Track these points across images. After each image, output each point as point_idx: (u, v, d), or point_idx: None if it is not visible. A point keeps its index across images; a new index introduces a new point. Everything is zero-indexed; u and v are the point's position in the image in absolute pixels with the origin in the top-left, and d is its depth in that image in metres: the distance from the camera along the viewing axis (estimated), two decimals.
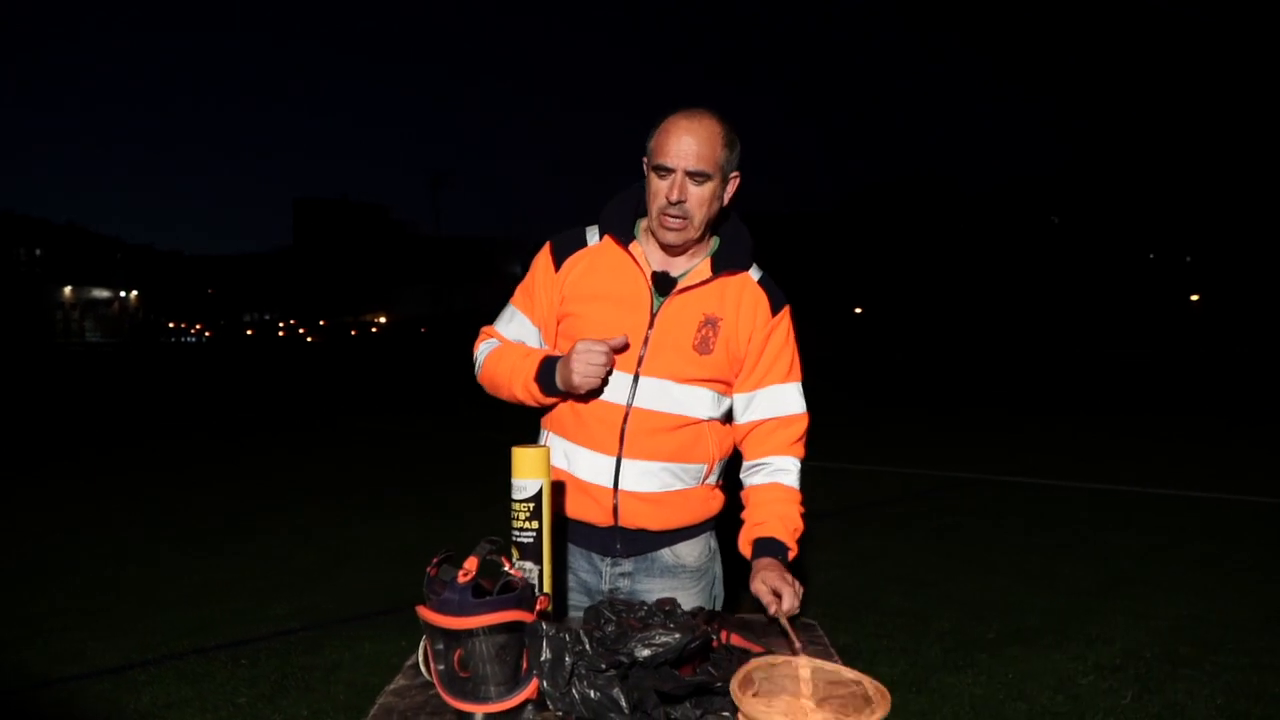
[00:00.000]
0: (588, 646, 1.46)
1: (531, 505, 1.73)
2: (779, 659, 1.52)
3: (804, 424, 2.11)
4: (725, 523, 2.21)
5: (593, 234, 2.09)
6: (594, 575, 2.09)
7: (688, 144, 1.90)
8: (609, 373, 1.95)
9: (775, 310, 2.05)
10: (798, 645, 1.62)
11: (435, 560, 1.57)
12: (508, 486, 1.75)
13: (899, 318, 51.77)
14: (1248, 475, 8.65)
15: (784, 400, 2.08)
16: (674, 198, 1.91)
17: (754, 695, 1.40)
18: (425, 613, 1.46)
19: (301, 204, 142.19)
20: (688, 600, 2.09)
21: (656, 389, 1.98)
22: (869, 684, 1.46)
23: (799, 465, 2.12)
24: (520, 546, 1.74)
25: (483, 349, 2.14)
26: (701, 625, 1.55)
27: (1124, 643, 4.25)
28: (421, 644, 1.62)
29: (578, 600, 2.09)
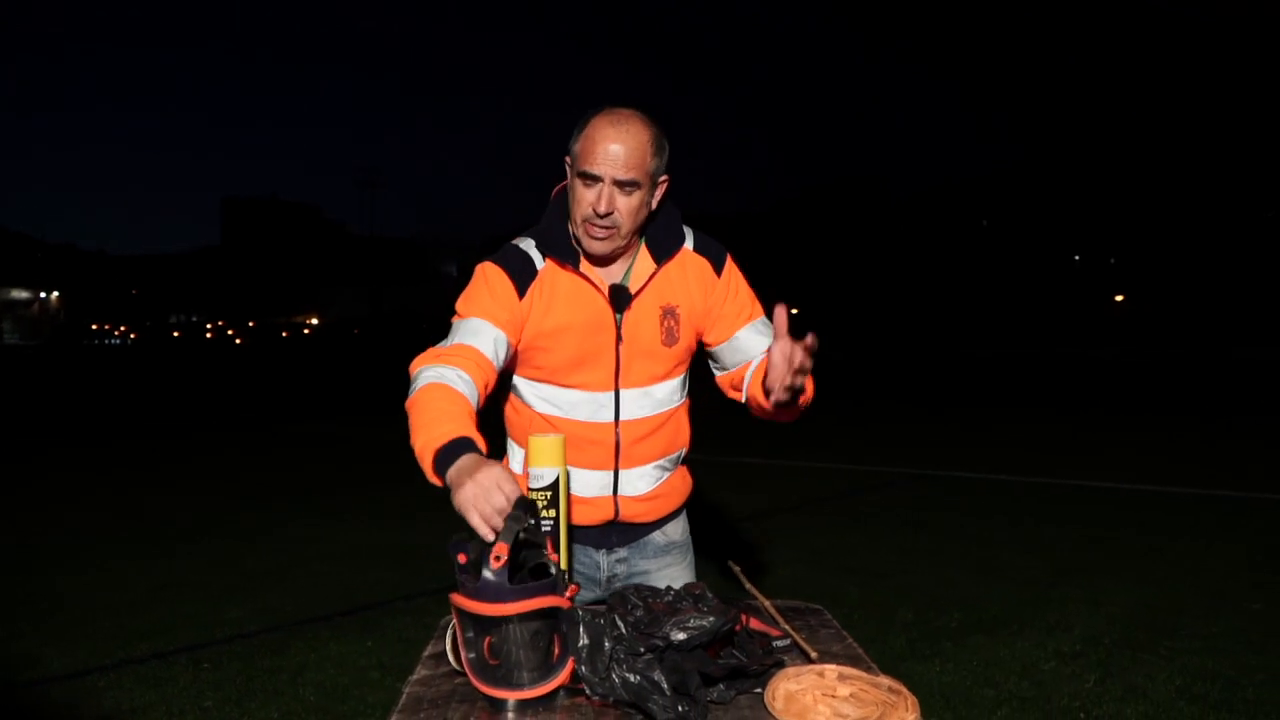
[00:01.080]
0: (624, 631, 1.46)
1: (549, 494, 1.73)
2: (807, 668, 1.53)
3: None
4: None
5: (532, 251, 1.96)
6: (592, 567, 2.12)
7: (615, 152, 1.81)
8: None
9: (718, 269, 2.02)
10: (814, 655, 1.64)
11: (455, 544, 1.53)
12: (525, 475, 1.75)
13: (835, 318, 52.52)
14: (1183, 468, 8.94)
15: (764, 331, 2.02)
16: (602, 209, 1.83)
17: (787, 706, 1.41)
18: (461, 600, 1.44)
19: (230, 203, 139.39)
20: (679, 574, 2.18)
21: (638, 397, 2.01)
22: (889, 683, 1.49)
23: None
24: None
25: (424, 374, 1.81)
26: (732, 609, 1.56)
27: (1081, 629, 4.36)
28: (450, 631, 1.61)
29: (584, 594, 2.11)
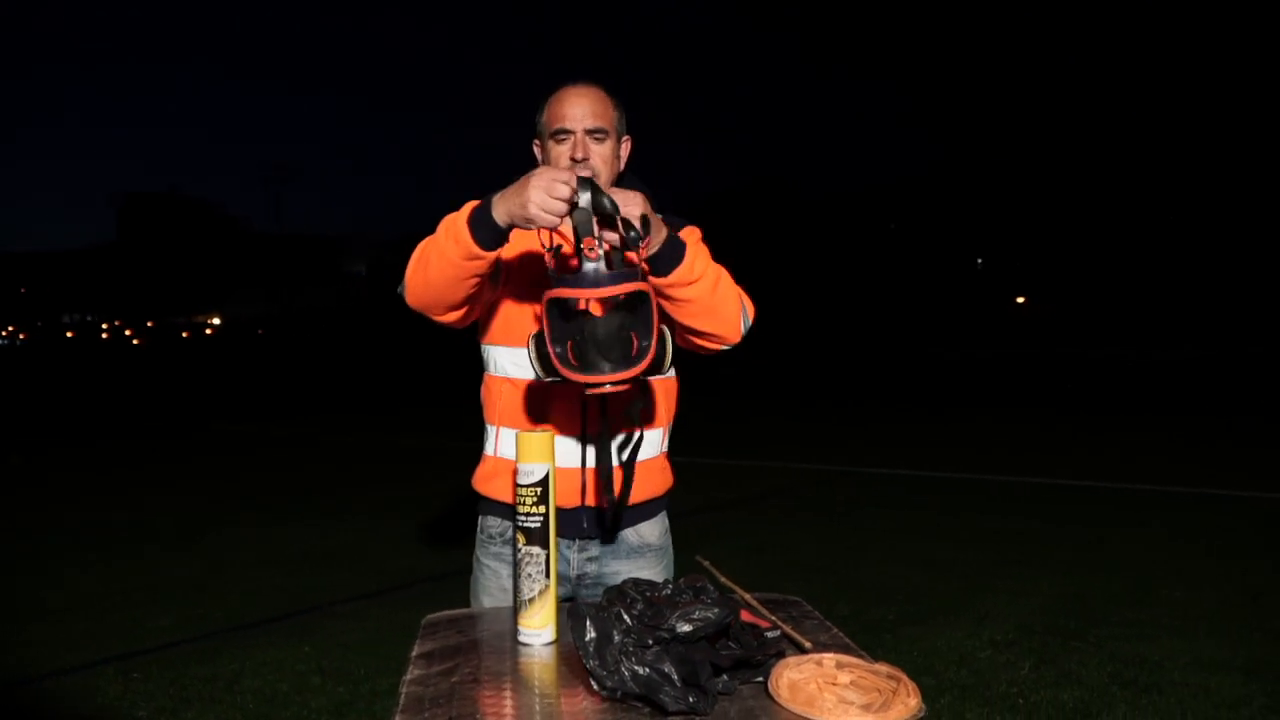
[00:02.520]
0: (630, 623, 1.46)
1: (539, 490, 1.71)
2: (805, 658, 1.55)
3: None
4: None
5: None
6: (562, 563, 2.07)
7: (583, 105, 1.94)
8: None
9: (675, 226, 1.97)
10: (808, 645, 1.66)
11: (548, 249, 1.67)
12: (514, 472, 1.73)
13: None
14: (1102, 464, 9.27)
15: None
16: (579, 155, 1.92)
17: (792, 695, 1.42)
18: (565, 291, 1.57)
19: (126, 198, 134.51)
20: (654, 578, 2.11)
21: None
22: (887, 669, 1.52)
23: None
24: (527, 531, 1.71)
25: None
26: (732, 601, 1.56)
27: (1014, 619, 4.49)
28: (531, 344, 1.70)
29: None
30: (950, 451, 10.42)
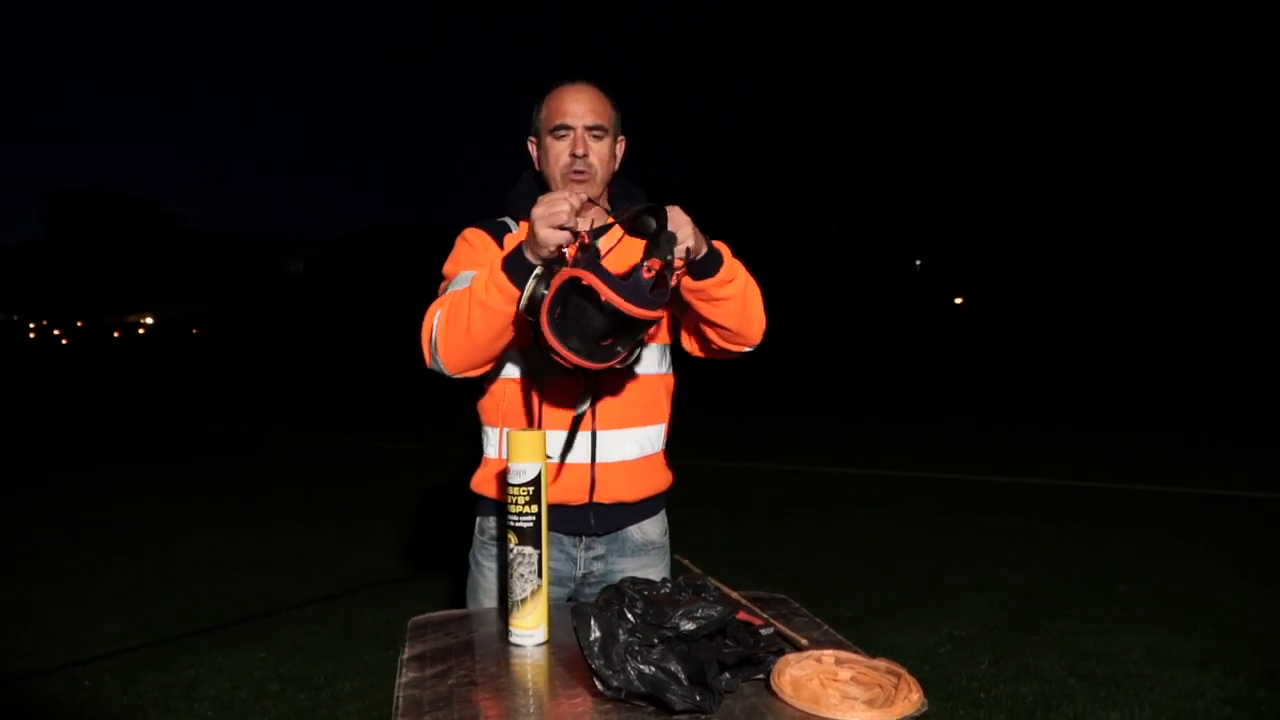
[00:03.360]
0: (634, 622, 1.44)
1: (531, 489, 1.69)
2: (805, 655, 1.55)
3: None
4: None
5: (506, 220, 2.10)
6: (568, 563, 2.07)
7: (582, 102, 1.97)
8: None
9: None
10: (804, 642, 1.66)
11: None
12: (505, 471, 1.71)
13: None
14: (1048, 462, 9.46)
15: None
16: (579, 151, 1.95)
17: (796, 692, 1.42)
18: (613, 297, 1.58)
19: (56, 195, 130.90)
20: (656, 576, 2.11)
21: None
22: (885, 665, 1.52)
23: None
24: (519, 531, 1.69)
25: (435, 319, 1.88)
26: (732, 599, 1.56)
27: (971, 614, 4.55)
28: (531, 282, 1.70)
29: (554, 592, 2.06)
30: (900, 450, 10.56)
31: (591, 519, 2.05)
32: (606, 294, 1.59)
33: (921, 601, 4.78)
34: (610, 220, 1.88)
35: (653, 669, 1.38)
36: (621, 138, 2.07)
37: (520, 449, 1.69)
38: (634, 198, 2.10)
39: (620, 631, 1.41)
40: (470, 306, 1.78)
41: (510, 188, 2.13)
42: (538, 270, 1.72)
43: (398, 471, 9.37)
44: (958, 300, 59.11)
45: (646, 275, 1.61)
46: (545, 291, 1.66)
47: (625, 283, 1.60)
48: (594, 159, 1.97)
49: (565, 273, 1.64)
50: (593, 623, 1.42)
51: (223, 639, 4.36)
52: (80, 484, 8.93)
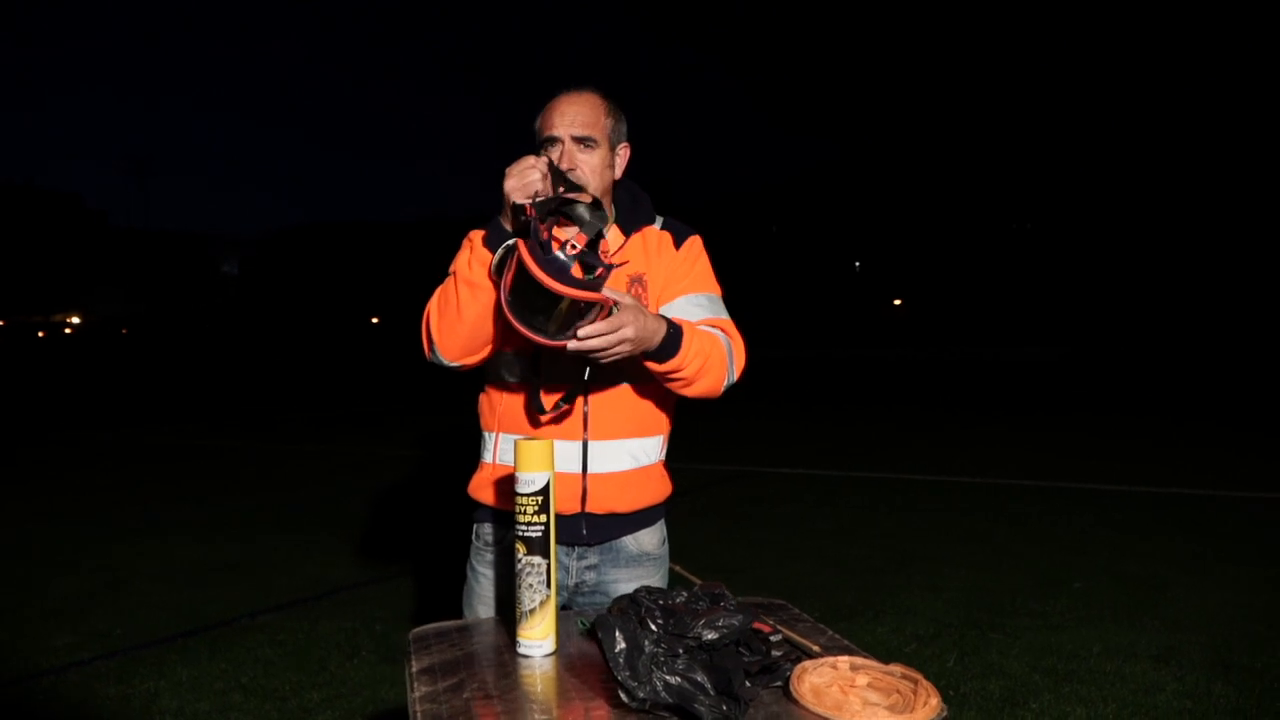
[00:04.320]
0: (657, 632, 1.44)
1: (540, 499, 1.68)
2: (820, 661, 1.57)
3: (730, 326, 2.05)
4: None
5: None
6: (560, 572, 2.06)
7: (571, 112, 1.95)
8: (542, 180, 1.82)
9: (679, 243, 2.09)
10: (815, 648, 1.68)
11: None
12: (513, 480, 1.69)
13: None
14: (993, 459, 9.65)
15: (701, 305, 2.05)
16: (565, 165, 1.94)
17: (818, 699, 1.43)
18: (535, 270, 1.62)
19: None
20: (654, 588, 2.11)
21: (605, 364, 1.99)
22: (901, 670, 1.54)
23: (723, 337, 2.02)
24: (528, 541, 1.68)
25: (430, 309, 1.97)
26: (751, 608, 1.56)
27: (931, 613, 4.62)
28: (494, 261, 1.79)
29: None
30: (849, 450, 10.69)
31: (584, 529, 2.05)
32: (528, 262, 1.63)
33: (881, 602, 4.84)
34: (558, 194, 1.82)
35: (679, 679, 1.39)
36: (625, 145, 2.05)
37: (529, 458, 1.68)
38: (639, 203, 2.10)
39: (645, 642, 1.41)
40: (457, 286, 1.84)
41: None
42: (510, 241, 1.78)
43: (345, 476, 9.24)
44: (897, 302, 60.03)
45: (570, 252, 1.66)
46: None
47: (548, 256, 1.64)
48: (583, 171, 1.95)
49: (516, 242, 1.70)
50: (617, 634, 1.42)
51: (179, 650, 4.26)
52: (6, 493, 8.67)
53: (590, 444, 2.01)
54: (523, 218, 1.74)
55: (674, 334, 1.85)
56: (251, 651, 4.20)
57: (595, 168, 1.97)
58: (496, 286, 1.77)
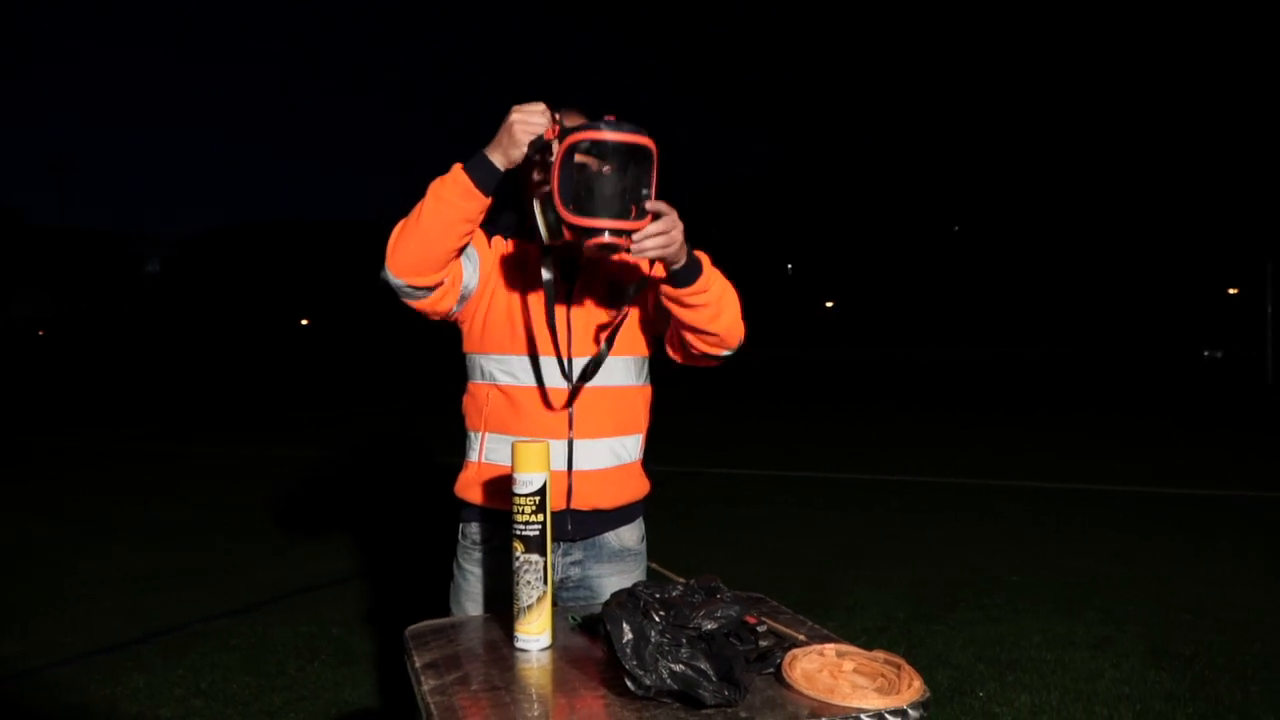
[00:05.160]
0: (660, 624, 1.52)
1: (537, 499, 1.75)
2: (809, 649, 1.66)
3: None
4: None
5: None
6: None
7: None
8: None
9: None
10: (801, 637, 1.77)
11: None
12: (510, 482, 1.76)
13: None
14: (931, 457, 9.89)
15: None
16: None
17: (810, 683, 1.53)
18: (588, 134, 1.68)
19: None
20: (632, 582, 2.19)
21: (589, 367, 2.07)
22: (884, 655, 1.64)
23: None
24: (525, 540, 1.74)
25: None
26: (747, 598, 1.65)
27: (877, 608, 4.77)
28: (536, 205, 1.82)
29: None
30: (790, 450, 10.87)
31: (569, 524, 2.12)
32: (600, 135, 1.69)
33: (831, 598, 4.97)
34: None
35: (683, 667, 1.46)
36: None
37: (526, 460, 1.75)
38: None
39: (651, 633, 1.49)
40: (425, 203, 1.87)
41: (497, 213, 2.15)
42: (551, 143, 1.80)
43: (285, 479, 9.16)
44: (829, 304, 60.93)
45: (609, 119, 1.71)
46: (551, 159, 1.75)
47: (601, 122, 1.71)
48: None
49: (571, 138, 1.72)
50: (625, 625, 1.49)
51: (133, 656, 4.22)
52: None
53: (575, 442, 2.08)
54: (560, 128, 1.79)
55: (696, 257, 1.92)
56: (208, 657, 4.18)
57: None
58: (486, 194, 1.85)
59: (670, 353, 2.16)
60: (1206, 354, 43.88)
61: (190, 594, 5.19)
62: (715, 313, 1.98)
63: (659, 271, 1.94)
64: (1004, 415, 15.30)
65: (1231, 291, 46.92)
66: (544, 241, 1.85)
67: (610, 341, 2.08)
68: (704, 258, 1.99)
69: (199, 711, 3.63)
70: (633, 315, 2.13)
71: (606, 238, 1.74)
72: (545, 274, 2.05)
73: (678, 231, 1.81)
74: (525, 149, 1.82)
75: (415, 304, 1.98)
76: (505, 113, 1.88)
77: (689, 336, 2.03)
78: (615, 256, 1.84)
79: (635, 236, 1.76)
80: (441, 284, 1.97)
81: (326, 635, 4.48)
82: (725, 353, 2.07)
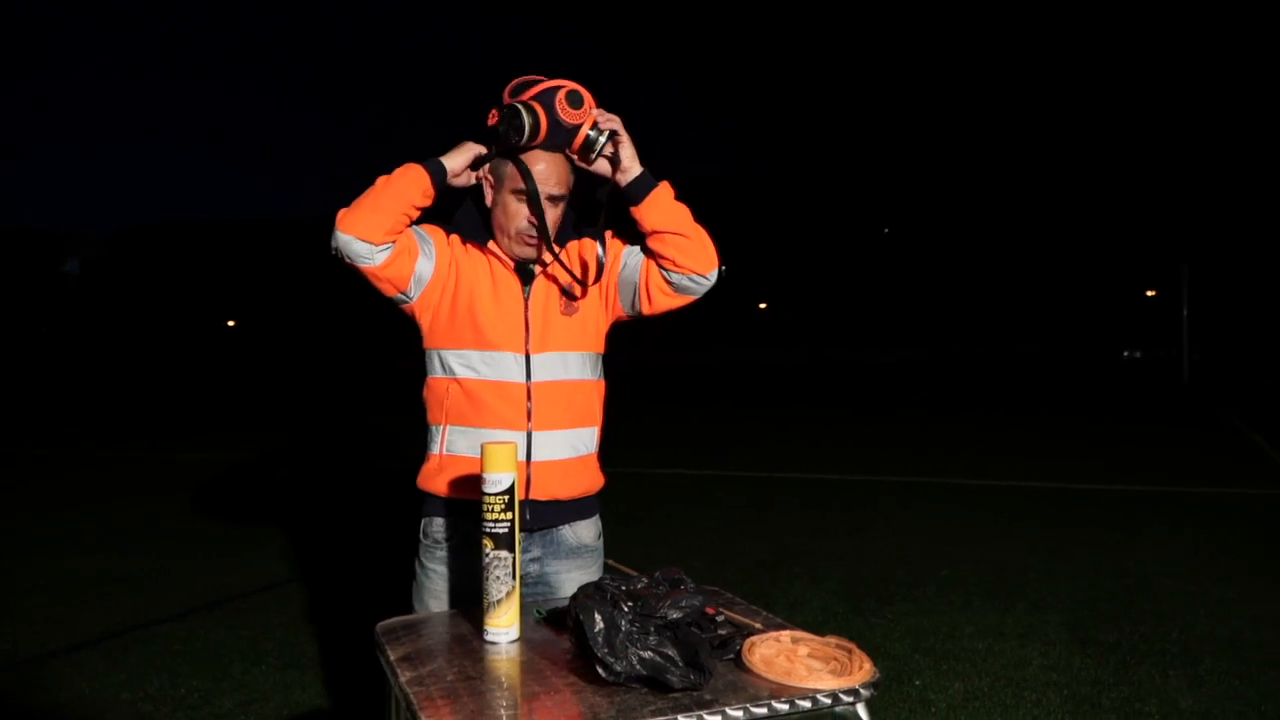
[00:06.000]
0: (629, 613, 1.61)
1: (506, 498, 1.82)
2: (766, 636, 1.77)
3: None
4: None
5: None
6: None
7: (547, 171, 2.09)
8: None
9: (600, 242, 2.22)
10: (757, 625, 1.87)
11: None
12: (480, 481, 1.83)
13: None
14: (863, 456, 10.11)
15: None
16: (537, 221, 2.10)
17: (769, 667, 1.63)
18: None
19: None
20: (590, 578, 2.26)
21: (548, 361, 2.18)
22: (835, 640, 1.75)
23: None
24: (495, 537, 1.82)
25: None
26: (709, 590, 1.75)
27: (816, 603, 4.92)
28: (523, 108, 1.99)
29: None
30: (725, 449, 11.02)
31: (527, 515, 2.19)
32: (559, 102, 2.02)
33: (771, 595, 5.10)
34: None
35: (651, 654, 1.55)
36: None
37: (495, 460, 1.82)
38: (568, 223, 2.26)
39: (622, 622, 1.58)
40: (383, 180, 2.03)
41: (453, 210, 2.25)
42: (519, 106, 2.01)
43: (219, 484, 9.04)
44: (762, 305, 61.57)
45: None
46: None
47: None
48: (550, 219, 2.12)
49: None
50: (596, 615, 1.57)
51: (74, 664, 4.16)
52: None
53: (534, 434, 2.16)
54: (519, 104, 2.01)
55: (646, 171, 2.10)
56: (152, 661, 4.15)
57: (559, 217, 2.16)
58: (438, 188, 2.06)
59: (645, 307, 2.22)
60: (1126, 354, 45.47)
61: (130, 600, 5.13)
62: (681, 216, 2.11)
63: (622, 180, 2.10)
64: (930, 415, 15.68)
65: (1149, 294, 48.53)
66: (518, 145, 2.02)
67: (565, 336, 2.18)
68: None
69: (148, 716, 3.61)
70: (586, 312, 2.23)
71: (587, 129, 2.02)
72: (503, 271, 2.16)
73: (619, 122, 2.06)
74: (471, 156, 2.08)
75: (367, 268, 2.05)
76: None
77: (667, 254, 2.12)
78: (591, 158, 2.08)
79: (599, 120, 2.03)
80: (392, 247, 2.05)
81: (271, 638, 4.47)
82: (703, 279, 2.17)
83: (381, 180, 2.03)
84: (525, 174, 2.08)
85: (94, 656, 4.25)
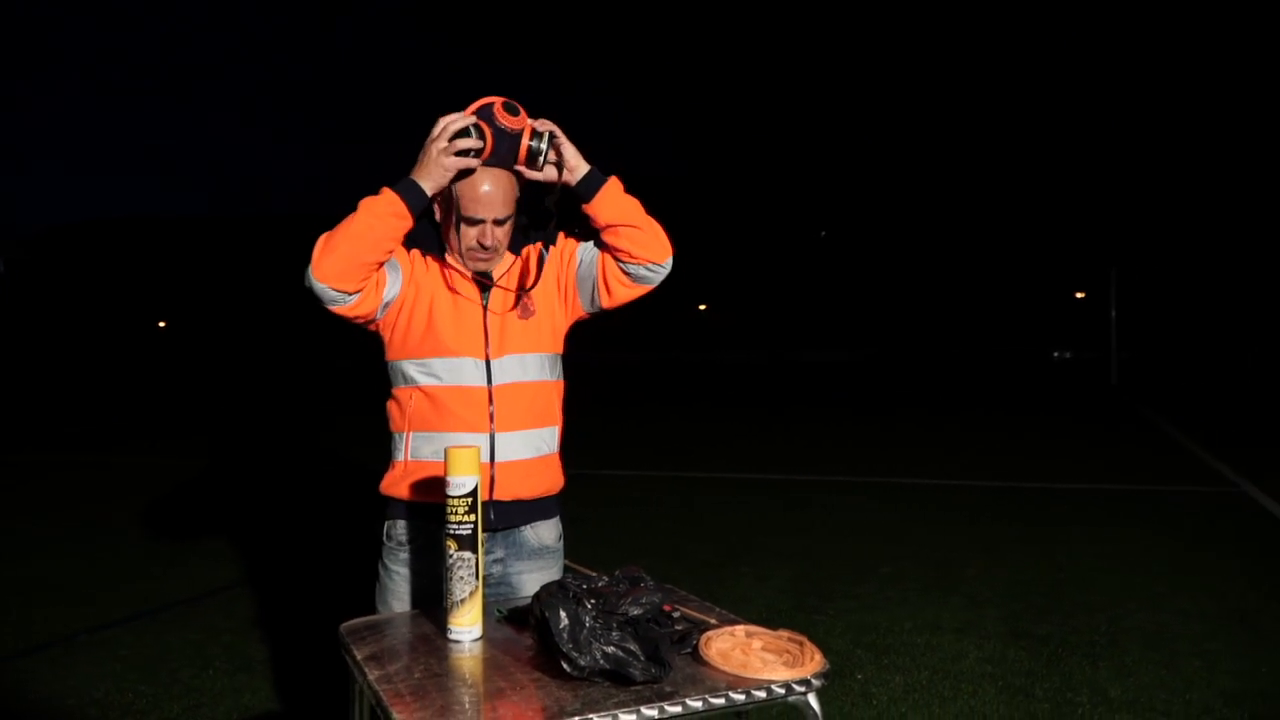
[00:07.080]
0: (592, 610, 1.67)
1: (469, 500, 1.87)
2: (721, 630, 1.85)
3: None
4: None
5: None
6: None
7: (492, 195, 2.15)
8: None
9: (549, 245, 2.32)
10: (712, 620, 1.95)
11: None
12: (444, 484, 1.88)
13: None
14: (804, 456, 10.27)
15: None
16: (488, 243, 2.18)
17: (725, 660, 1.71)
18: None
19: None
20: (551, 579, 2.32)
21: (507, 364, 2.24)
22: (787, 634, 1.84)
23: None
24: (459, 539, 1.87)
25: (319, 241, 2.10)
26: (666, 588, 1.82)
27: (761, 600, 5.02)
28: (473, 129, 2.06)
29: None
30: (669, 449, 11.12)
31: (491, 515, 2.25)
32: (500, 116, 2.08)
33: (718, 592, 5.19)
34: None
35: (614, 648, 1.62)
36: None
37: (459, 464, 1.87)
38: (523, 229, 2.33)
39: (586, 618, 1.64)
40: (355, 216, 2.04)
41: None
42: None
43: (156, 488, 8.91)
44: (701, 307, 61.93)
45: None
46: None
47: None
48: (498, 240, 2.19)
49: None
50: (561, 612, 1.64)
51: (19, 670, 4.12)
52: None
53: (497, 436, 2.22)
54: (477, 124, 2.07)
55: (598, 172, 2.16)
56: (98, 667, 4.12)
57: (507, 233, 2.22)
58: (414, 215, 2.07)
59: (605, 300, 2.29)
60: (1055, 355, 46.63)
61: (73, 606, 5.07)
62: (633, 208, 2.18)
63: (570, 179, 2.15)
64: (866, 415, 15.96)
65: (1079, 296, 49.79)
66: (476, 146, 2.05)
67: (524, 339, 2.25)
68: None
69: None
70: (544, 314, 2.29)
71: (528, 139, 2.08)
72: (461, 280, 2.22)
73: (557, 130, 2.12)
74: (453, 172, 2.04)
75: (338, 309, 2.10)
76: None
77: (622, 247, 2.18)
78: (539, 164, 2.12)
79: (537, 127, 2.10)
80: (363, 290, 2.10)
81: (218, 642, 4.46)
82: (658, 268, 2.24)
83: (363, 219, 2.02)
84: (470, 201, 2.15)
85: (39, 663, 4.21)
